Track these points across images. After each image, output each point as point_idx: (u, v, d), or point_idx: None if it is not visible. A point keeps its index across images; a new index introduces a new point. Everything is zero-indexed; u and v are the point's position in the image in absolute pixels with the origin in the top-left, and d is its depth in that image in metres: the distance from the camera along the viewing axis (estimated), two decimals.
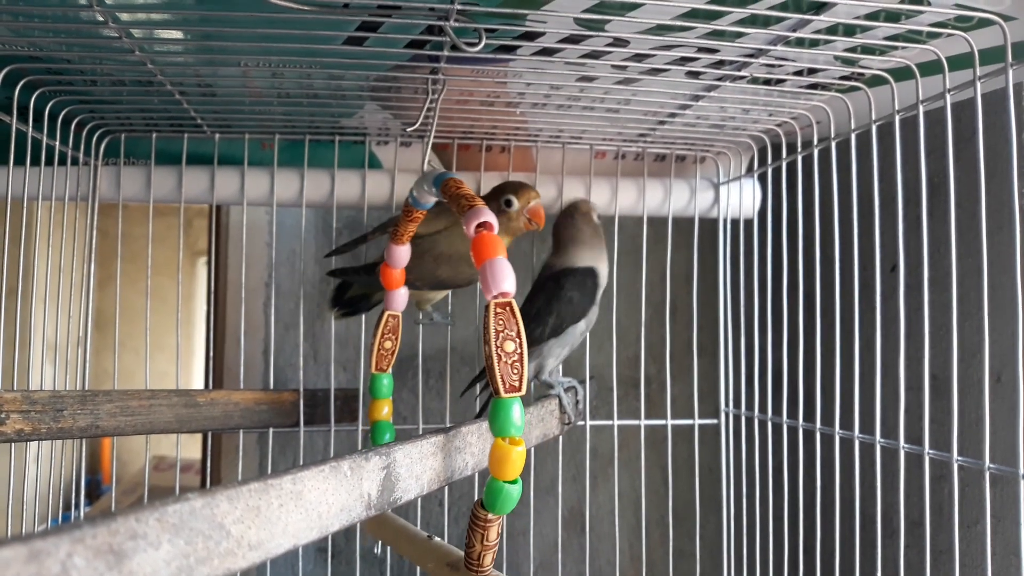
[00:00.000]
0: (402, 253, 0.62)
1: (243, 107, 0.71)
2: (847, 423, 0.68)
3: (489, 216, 0.43)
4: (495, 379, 0.40)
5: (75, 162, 0.75)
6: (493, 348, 0.40)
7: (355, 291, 0.77)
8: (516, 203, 0.67)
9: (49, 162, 0.71)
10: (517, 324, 0.41)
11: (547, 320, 0.68)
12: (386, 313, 0.64)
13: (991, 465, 0.53)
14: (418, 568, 0.76)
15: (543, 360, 0.70)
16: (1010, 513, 0.68)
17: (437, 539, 0.53)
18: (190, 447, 2.02)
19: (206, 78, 0.64)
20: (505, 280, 0.41)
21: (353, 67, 0.61)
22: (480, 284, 0.42)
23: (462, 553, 0.48)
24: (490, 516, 0.43)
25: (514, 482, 0.42)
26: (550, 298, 0.68)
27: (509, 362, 0.41)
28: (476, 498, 0.84)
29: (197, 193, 0.78)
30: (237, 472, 0.78)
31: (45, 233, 0.74)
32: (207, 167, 0.78)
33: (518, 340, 0.41)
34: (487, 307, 0.41)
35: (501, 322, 0.41)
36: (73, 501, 0.79)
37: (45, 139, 0.69)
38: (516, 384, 0.41)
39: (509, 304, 0.41)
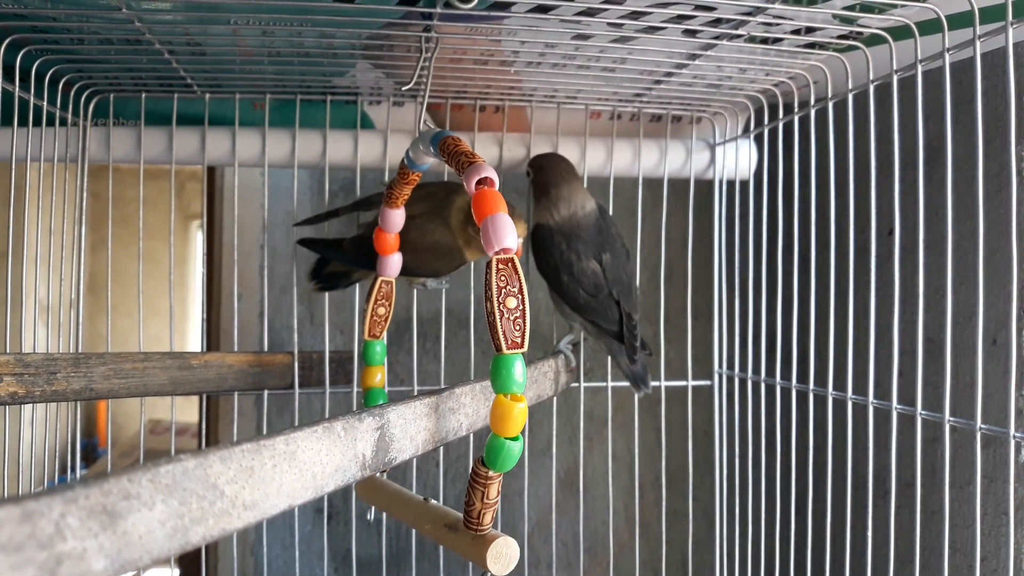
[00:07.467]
0: (396, 217, 0.61)
1: (233, 66, 0.70)
2: (840, 385, 0.68)
3: (489, 172, 0.42)
4: (497, 335, 0.40)
5: (63, 123, 0.74)
6: (496, 304, 0.40)
7: (335, 267, 0.76)
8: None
9: (37, 123, 0.70)
10: (519, 280, 0.41)
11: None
12: (379, 279, 0.63)
13: (983, 426, 0.53)
14: (414, 530, 0.76)
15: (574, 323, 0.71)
16: (1001, 474, 0.69)
17: (433, 501, 0.53)
18: (186, 410, 2.03)
19: (195, 37, 0.63)
20: (507, 236, 0.41)
21: (344, 25, 0.60)
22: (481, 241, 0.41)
23: (459, 515, 0.48)
24: (491, 473, 0.43)
25: (515, 439, 0.42)
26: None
27: (511, 318, 0.41)
28: (472, 459, 0.85)
29: (188, 154, 0.77)
30: (233, 434, 0.78)
31: (35, 196, 0.73)
32: (198, 128, 0.77)
33: (520, 296, 0.41)
34: (489, 264, 0.41)
35: (503, 278, 0.41)
36: (69, 464, 0.79)
37: (32, 99, 0.68)
38: (518, 340, 0.41)
39: (511, 260, 0.41)
